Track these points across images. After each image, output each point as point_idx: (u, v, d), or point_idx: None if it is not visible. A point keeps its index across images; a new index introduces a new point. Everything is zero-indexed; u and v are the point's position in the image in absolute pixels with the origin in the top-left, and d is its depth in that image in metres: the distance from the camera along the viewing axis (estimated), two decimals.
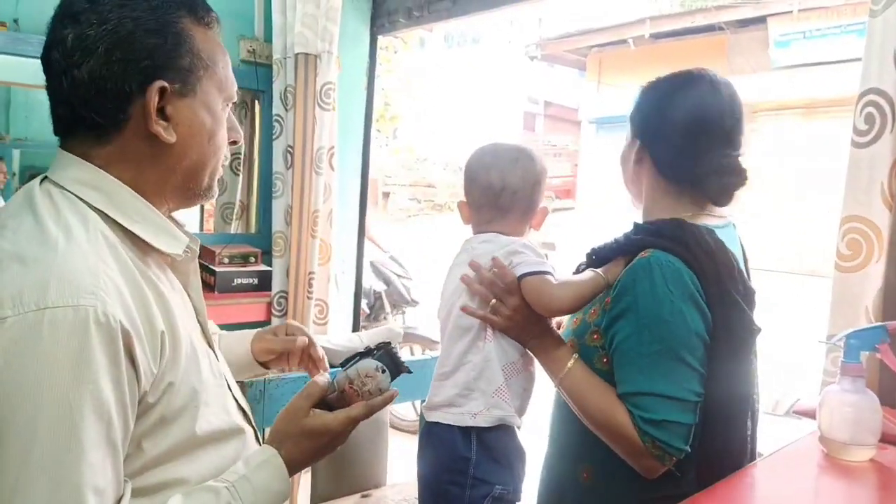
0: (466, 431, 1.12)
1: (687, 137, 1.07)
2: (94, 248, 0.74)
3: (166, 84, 0.78)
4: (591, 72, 11.73)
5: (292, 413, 0.90)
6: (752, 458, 1.07)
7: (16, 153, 3.10)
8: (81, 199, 0.78)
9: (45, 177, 0.81)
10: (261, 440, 0.97)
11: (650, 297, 0.98)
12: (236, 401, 0.94)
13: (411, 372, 0.98)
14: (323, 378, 0.94)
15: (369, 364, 0.93)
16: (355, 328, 2.71)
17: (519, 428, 1.16)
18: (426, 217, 15.80)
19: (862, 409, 1.00)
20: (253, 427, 0.97)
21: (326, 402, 0.93)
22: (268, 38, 2.43)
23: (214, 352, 0.94)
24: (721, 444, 1.01)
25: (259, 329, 1.19)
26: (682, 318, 0.97)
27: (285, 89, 2.33)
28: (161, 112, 0.78)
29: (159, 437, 0.77)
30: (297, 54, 2.27)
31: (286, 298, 2.38)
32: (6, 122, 2.87)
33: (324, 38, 2.28)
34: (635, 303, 0.99)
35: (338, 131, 2.39)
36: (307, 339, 1.15)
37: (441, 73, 16.87)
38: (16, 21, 2.04)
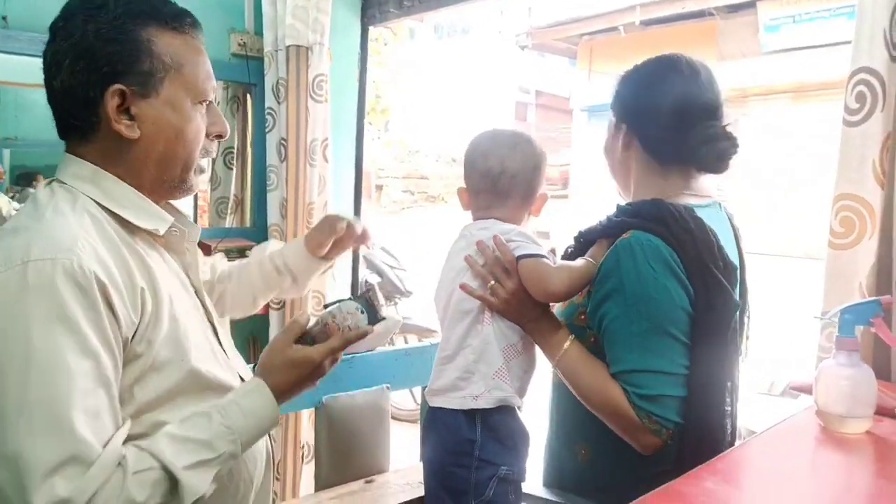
0: (470, 414, 1.13)
1: (673, 114, 1.11)
2: (78, 220, 0.85)
3: (124, 87, 0.86)
4: (581, 60, 11.70)
5: (276, 347, 0.98)
6: (733, 434, 1.10)
7: (6, 153, 3.07)
8: (77, 190, 0.89)
9: (53, 178, 0.92)
10: None
11: (634, 276, 1.01)
12: (238, 374, 1.02)
13: (384, 318, 1.05)
14: (302, 317, 1.02)
15: (350, 304, 1.03)
16: None
17: (520, 409, 1.17)
18: (420, 209, 15.79)
19: (857, 383, 1.01)
20: None
21: (311, 336, 1.00)
22: (258, 31, 2.41)
23: (214, 326, 1.02)
24: (697, 415, 1.03)
25: (308, 231, 1.32)
26: (667, 293, 1.00)
27: (277, 82, 2.32)
28: (127, 112, 0.88)
29: (149, 385, 0.86)
30: (289, 46, 2.27)
31: None
32: None
33: (315, 30, 2.27)
34: (621, 283, 1.02)
35: (331, 123, 2.39)
36: (345, 223, 1.27)
37: (431, 65, 16.82)
38: (4, 18, 2.02)
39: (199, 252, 1.08)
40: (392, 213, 15.11)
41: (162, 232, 0.93)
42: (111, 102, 0.86)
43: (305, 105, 2.29)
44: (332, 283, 2.49)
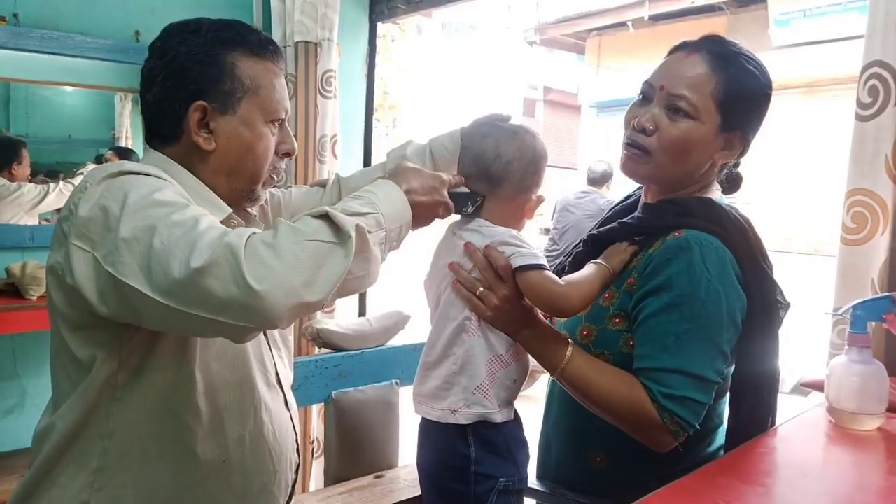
0: (461, 427, 1.08)
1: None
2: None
3: (206, 104, 0.95)
4: (590, 55, 11.65)
5: (407, 166, 1.01)
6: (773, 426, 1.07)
7: None
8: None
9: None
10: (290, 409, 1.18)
11: (686, 276, 0.96)
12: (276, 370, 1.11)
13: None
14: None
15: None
16: (361, 313, 2.72)
17: (511, 419, 1.11)
18: None
19: (869, 379, 1.01)
20: (283, 394, 1.15)
21: None
22: (267, 27, 2.42)
23: None
24: (748, 415, 1.02)
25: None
26: (717, 298, 0.95)
27: (286, 78, 2.32)
28: (207, 126, 0.96)
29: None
30: (297, 42, 2.27)
31: None
32: (6, 118, 2.85)
33: (323, 26, 2.27)
34: (669, 281, 0.97)
35: (339, 119, 2.39)
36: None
37: (439, 61, 16.80)
38: (16, 15, 2.04)
39: None
40: None
41: (219, 221, 0.93)
42: (193, 116, 0.95)
43: (314, 101, 2.29)
44: None
